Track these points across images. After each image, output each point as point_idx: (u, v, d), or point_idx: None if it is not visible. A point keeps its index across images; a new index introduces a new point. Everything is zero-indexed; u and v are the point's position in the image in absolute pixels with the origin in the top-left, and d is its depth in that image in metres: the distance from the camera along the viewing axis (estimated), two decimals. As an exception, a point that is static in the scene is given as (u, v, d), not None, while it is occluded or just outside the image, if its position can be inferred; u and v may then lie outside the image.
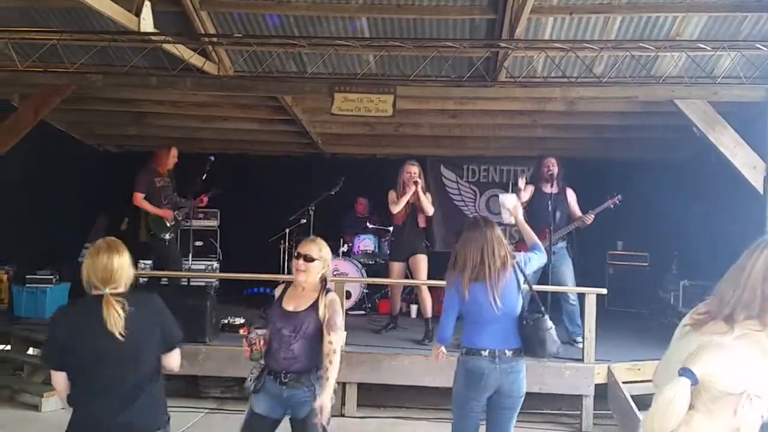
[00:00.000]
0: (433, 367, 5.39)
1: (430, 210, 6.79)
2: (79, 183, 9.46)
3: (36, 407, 5.84)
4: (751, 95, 6.34)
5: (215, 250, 9.23)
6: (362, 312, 8.25)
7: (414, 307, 7.89)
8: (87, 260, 2.89)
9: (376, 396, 6.20)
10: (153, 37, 6.24)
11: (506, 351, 3.65)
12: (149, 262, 7.88)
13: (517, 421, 3.80)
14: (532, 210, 6.28)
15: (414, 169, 6.67)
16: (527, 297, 3.86)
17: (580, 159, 8.72)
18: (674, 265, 8.31)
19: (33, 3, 6.53)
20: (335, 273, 7.48)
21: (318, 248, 3.59)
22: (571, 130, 8.65)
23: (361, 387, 6.06)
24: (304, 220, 8.21)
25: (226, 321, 6.76)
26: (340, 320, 3.52)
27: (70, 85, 6.83)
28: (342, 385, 5.86)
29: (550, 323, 3.74)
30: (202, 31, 6.62)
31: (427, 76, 6.75)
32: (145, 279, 7.54)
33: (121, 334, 2.74)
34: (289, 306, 3.54)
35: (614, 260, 8.96)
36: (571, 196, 6.65)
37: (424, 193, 6.70)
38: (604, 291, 6.05)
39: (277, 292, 3.70)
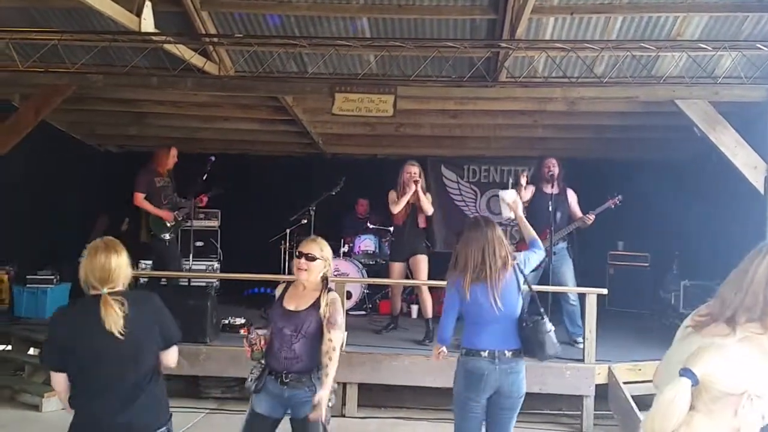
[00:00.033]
0: (433, 367, 5.39)
1: (429, 210, 6.80)
2: (79, 183, 9.46)
3: (36, 407, 5.84)
4: (751, 95, 6.34)
5: (216, 250, 9.23)
6: (363, 312, 8.26)
7: (414, 308, 7.89)
8: (85, 260, 2.89)
9: (376, 396, 6.20)
10: (154, 38, 6.24)
11: (506, 352, 3.65)
12: (150, 262, 7.88)
13: (518, 421, 3.80)
14: (532, 210, 6.27)
15: (414, 169, 6.68)
16: (527, 298, 3.86)
17: (580, 159, 8.72)
18: (675, 265, 8.30)
19: (34, 3, 6.53)
20: (336, 273, 7.47)
21: (319, 247, 3.60)
22: (572, 130, 8.65)
23: (362, 387, 6.06)
24: (305, 221, 8.22)
25: (226, 321, 6.76)
26: (340, 319, 3.52)
27: (70, 85, 6.83)
28: (342, 386, 5.86)
29: (549, 326, 3.73)
30: (203, 32, 6.62)
31: (428, 76, 6.75)
32: (146, 279, 7.55)
33: (120, 333, 2.75)
34: (290, 305, 3.55)
35: (615, 260, 8.95)
36: (571, 196, 6.65)
37: (424, 194, 6.70)
38: (604, 291, 6.06)
39: (278, 291, 3.70)
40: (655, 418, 1.84)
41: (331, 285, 3.68)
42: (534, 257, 3.96)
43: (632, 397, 5.36)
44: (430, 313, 6.71)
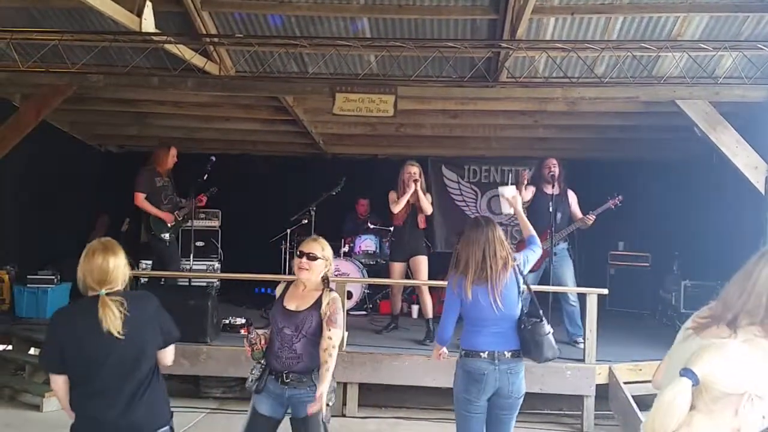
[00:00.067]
0: (434, 367, 5.39)
1: (429, 209, 6.81)
2: (80, 183, 9.48)
3: (37, 407, 5.85)
4: (752, 95, 6.34)
5: (216, 250, 9.23)
6: (363, 312, 8.26)
7: (415, 308, 7.90)
8: (82, 261, 2.89)
9: (377, 396, 6.20)
10: (154, 38, 6.24)
11: (505, 352, 3.65)
12: (150, 262, 7.88)
13: (519, 421, 3.81)
14: (533, 211, 6.28)
15: (414, 170, 6.69)
16: (527, 300, 3.86)
17: (581, 159, 8.74)
18: (675, 265, 8.30)
19: (34, 3, 6.53)
20: (337, 273, 7.48)
21: (320, 247, 3.61)
22: (573, 130, 8.65)
23: (362, 387, 6.06)
24: (306, 221, 8.22)
25: (227, 321, 6.76)
26: (340, 319, 3.53)
27: (71, 85, 6.84)
28: (343, 385, 5.87)
29: (548, 328, 3.73)
30: (204, 32, 6.62)
31: (429, 76, 6.75)
32: (146, 279, 7.55)
33: (119, 333, 2.75)
34: (290, 305, 3.55)
35: (615, 260, 8.95)
36: (572, 197, 6.66)
37: (424, 194, 6.71)
38: (605, 291, 6.05)
39: (278, 291, 3.71)
40: (656, 417, 1.84)
41: (332, 285, 3.68)
42: (532, 256, 3.97)
43: (633, 397, 5.36)
44: (430, 313, 6.71)
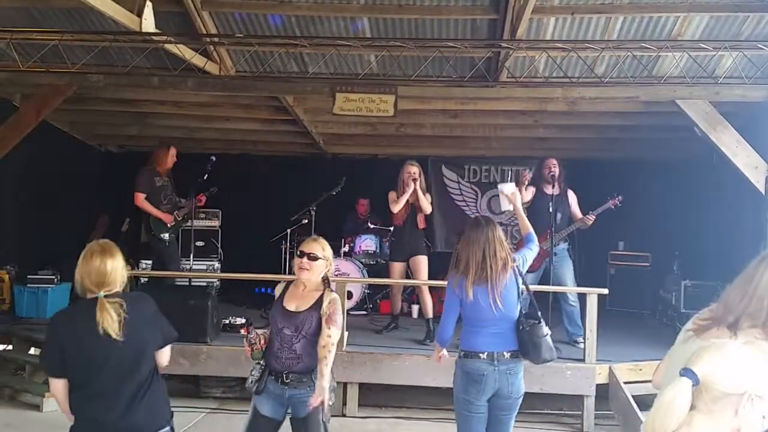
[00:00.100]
0: (434, 367, 5.37)
1: (428, 208, 6.81)
2: (80, 183, 9.48)
3: (37, 407, 5.86)
4: (752, 95, 6.34)
5: (216, 250, 9.23)
6: (364, 312, 8.25)
7: (415, 308, 7.90)
8: (80, 264, 2.88)
9: (377, 396, 6.20)
10: (154, 38, 6.24)
11: (505, 353, 3.66)
12: (150, 262, 7.88)
13: (519, 421, 3.81)
14: (533, 211, 6.28)
15: (413, 169, 6.70)
16: (526, 301, 3.86)
17: (581, 159, 8.74)
18: (676, 265, 8.30)
19: (34, 3, 6.53)
20: (337, 273, 7.48)
21: (321, 247, 3.61)
22: (573, 130, 8.65)
23: (363, 387, 6.06)
24: (306, 220, 8.22)
25: (227, 321, 6.77)
26: (340, 319, 3.54)
27: (71, 85, 6.83)
28: (343, 385, 5.87)
29: (546, 330, 3.72)
30: (204, 32, 6.62)
31: (429, 76, 6.75)
32: (146, 279, 7.56)
33: (118, 335, 2.75)
34: (290, 305, 3.55)
35: (615, 260, 8.95)
36: (572, 198, 6.66)
37: (424, 194, 6.72)
38: (605, 291, 6.06)
39: (278, 291, 3.71)
40: (656, 417, 1.84)
41: (332, 285, 3.69)
42: (530, 254, 3.99)
43: (633, 396, 5.36)
44: (430, 313, 6.72)
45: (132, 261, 7.99)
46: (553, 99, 6.91)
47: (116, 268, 2.89)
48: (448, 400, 3.98)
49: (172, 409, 3.05)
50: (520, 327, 3.70)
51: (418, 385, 5.97)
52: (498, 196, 4.72)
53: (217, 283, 8.72)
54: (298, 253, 3.61)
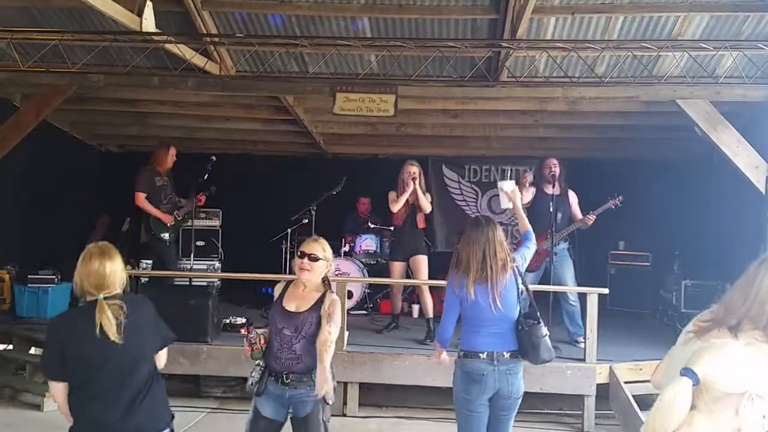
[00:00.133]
0: (434, 367, 5.37)
1: (428, 208, 6.82)
2: (80, 183, 9.48)
3: (38, 407, 5.86)
4: (753, 95, 6.33)
5: (217, 249, 9.23)
6: (364, 312, 8.25)
7: (416, 307, 7.90)
8: (79, 266, 2.88)
9: (377, 396, 6.20)
10: (155, 37, 6.24)
11: (504, 353, 3.66)
12: (150, 261, 7.88)
13: (519, 421, 3.82)
14: (533, 211, 6.28)
15: (413, 169, 6.71)
16: (525, 301, 3.86)
17: (581, 159, 8.74)
18: (676, 264, 8.29)
19: (35, 3, 6.53)
20: (337, 273, 7.49)
21: (322, 248, 3.61)
22: (573, 130, 8.65)
23: (363, 387, 6.06)
24: (306, 220, 8.22)
25: (227, 321, 6.77)
26: (339, 317, 3.53)
27: (71, 85, 6.83)
28: (344, 385, 5.87)
29: (545, 330, 3.72)
30: (204, 31, 6.62)
31: (429, 76, 6.74)
32: (146, 279, 7.55)
33: (117, 338, 2.75)
34: (290, 306, 3.54)
35: (616, 260, 8.95)
36: (572, 198, 6.65)
37: (424, 193, 6.73)
38: (605, 291, 6.06)
39: (277, 291, 3.70)
40: (656, 417, 1.84)
41: (333, 286, 3.68)
42: (528, 253, 4.00)
43: (633, 396, 5.36)
44: (431, 313, 6.72)
45: (132, 261, 8.00)
46: (553, 99, 6.91)
47: (115, 270, 2.89)
48: (448, 400, 3.97)
49: (173, 408, 3.05)
50: (519, 327, 3.70)
51: (418, 384, 5.97)
52: (498, 195, 4.72)
53: (218, 282, 8.72)
54: (299, 253, 3.61)
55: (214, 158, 7.46)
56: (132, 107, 8.28)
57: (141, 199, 6.97)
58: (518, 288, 3.73)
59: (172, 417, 3.01)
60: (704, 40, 6.20)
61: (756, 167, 6.27)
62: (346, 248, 8.46)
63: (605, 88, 6.51)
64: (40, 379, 6.26)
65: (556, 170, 6.49)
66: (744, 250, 6.63)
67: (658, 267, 8.62)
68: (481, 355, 3.64)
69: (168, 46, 6.38)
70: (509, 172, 9.51)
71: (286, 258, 8.50)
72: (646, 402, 5.08)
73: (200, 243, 8.76)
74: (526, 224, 4.14)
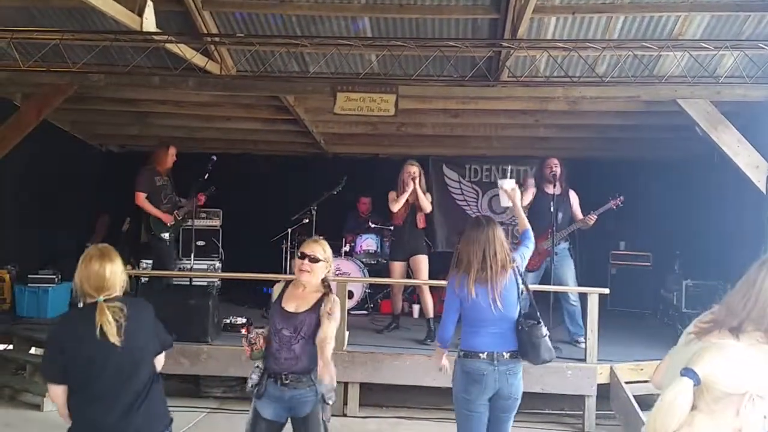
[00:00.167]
0: (434, 367, 5.37)
1: (428, 207, 6.83)
2: (81, 183, 9.48)
3: (38, 407, 5.86)
4: (753, 95, 6.32)
5: (217, 249, 9.23)
6: (364, 312, 8.25)
7: (416, 307, 7.89)
8: (79, 268, 2.88)
9: (378, 396, 6.19)
10: (155, 37, 6.24)
11: (504, 353, 3.66)
12: (150, 261, 7.88)
13: (520, 421, 3.82)
14: (534, 211, 6.29)
15: (413, 169, 6.72)
16: (525, 301, 3.86)
17: (582, 159, 8.73)
18: (677, 264, 8.29)
19: (35, 2, 6.53)
20: (337, 272, 7.49)
21: (322, 249, 3.59)
22: (574, 129, 8.64)
23: (363, 387, 6.06)
24: (307, 220, 8.21)
25: (228, 320, 6.77)
26: (338, 315, 3.51)
27: (72, 84, 6.83)
28: (344, 385, 5.86)
29: (545, 331, 3.72)
30: (205, 31, 6.61)
31: (430, 75, 6.74)
32: (146, 279, 7.55)
33: (117, 340, 2.74)
34: (289, 306, 3.53)
35: (617, 260, 8.94)
36: (573, 198, 6.65)
37: (424, 193, 6.73)
38: (606, 291, 6.05)
39: (276, 291, 3.68)
40: (657, 417, 1.84)
41: (333, 287, 3.67)
42: (527, 252, 4.00)
43: (634, 396, 5.36)
44: (431, 313, 6.72)
45: (132, 261, 8.00)
46: (554, 98, 6.90)
47: (115, 273, 2.89)
48: (448, 400, 3.97)
49: (172, 408, 3.05)
50: (520, 327, 3.70)
51: (418, 384, 5.97)
52: (498, 195, 4.72)
53: (218, 282, 8.72)
54: (299, 254, 3.59)
55: (214, 158, 7.46)
56: (132, 107, 8.28)
57: (141, 198, 6.97)
58: (518, 288, 3.73)
59: (171, 421, 3.00)
60: (705, 40, 6.19)
61: (757, 167, 6.26)
62: (347, 248, 8.45)
63: (606, 88, 6.51)
64: (40, 379, 6.26)
65: (557, 170, 6.49)
66: (745, 250, 6.63)
67: (658, 267, 8.62)
68: (481, 355, 3.64)
69: (168, 45, 6.37)
70: (509, 171, 9.52)
71: (286, 258, 8.50)
72: (646, 402, 5.07)
73: (201, 243, 8.77)
74: (525, 223, 4.14)
